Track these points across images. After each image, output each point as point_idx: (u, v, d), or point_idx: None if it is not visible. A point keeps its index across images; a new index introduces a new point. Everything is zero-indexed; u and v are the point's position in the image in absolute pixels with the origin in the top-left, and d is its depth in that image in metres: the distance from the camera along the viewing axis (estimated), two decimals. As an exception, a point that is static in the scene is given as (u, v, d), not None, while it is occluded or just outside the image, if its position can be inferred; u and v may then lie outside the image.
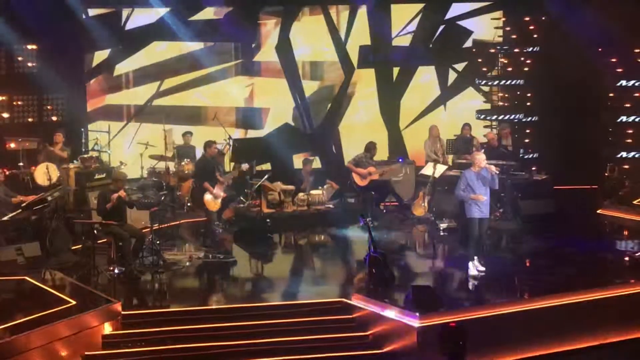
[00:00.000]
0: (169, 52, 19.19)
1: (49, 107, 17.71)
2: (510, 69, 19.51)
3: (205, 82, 19.31)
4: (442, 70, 20.09)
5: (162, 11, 18.64)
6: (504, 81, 19.33)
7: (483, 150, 17.06)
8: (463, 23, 19.99)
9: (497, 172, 12.93)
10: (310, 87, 19.87)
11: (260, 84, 19.65)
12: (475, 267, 12.85)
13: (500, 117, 19.02)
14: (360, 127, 19.86)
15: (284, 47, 19.50)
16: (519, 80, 19.18)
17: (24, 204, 13.93)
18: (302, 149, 19.45)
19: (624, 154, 18.57)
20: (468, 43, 20.02)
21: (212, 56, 19.19)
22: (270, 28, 19.68)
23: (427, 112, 20.04)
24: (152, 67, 19.10)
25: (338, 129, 19.93)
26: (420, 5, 19.77)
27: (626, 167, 18.47)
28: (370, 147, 17.22)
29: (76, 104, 18.10)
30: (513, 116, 18.97)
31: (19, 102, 17.36)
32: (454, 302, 11.93)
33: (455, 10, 19.92)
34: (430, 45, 19.98)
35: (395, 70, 19.95)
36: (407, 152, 19.60)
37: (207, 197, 14.76)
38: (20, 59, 17.35)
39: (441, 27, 19.97)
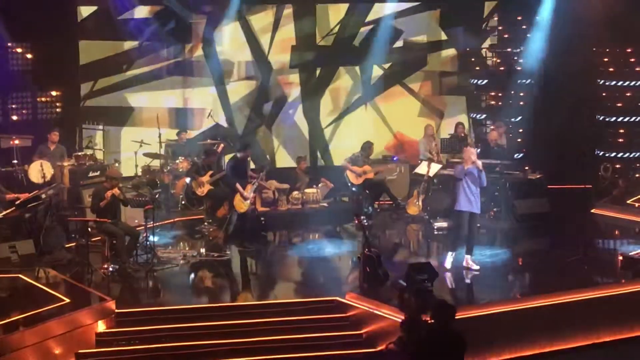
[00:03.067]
0: (103, 51, 18.75)
1: (43, 104, 17.65)
2: (502, 68, 19.58)
3: (139, 82, 19.02)
4: (365, 70, 20.05)
5: (91, 9, 18.47)
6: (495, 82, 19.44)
7: (478, 150, 17.19)
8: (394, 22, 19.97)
9: (482, 170, 12.94)
10: (248, 85, 19.69)
11: (195, 83, 19.44)
12: (450, 261, 12.97)
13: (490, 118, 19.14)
14: (291, 128, 19.80)
15: (208, 47, 19.31)
16: (512, 80, 19.29)
17: (18, 202, 13.92)
18: (232, 150, 19.23)
19: (617, 154, 18.62)
20: (399, 43, 20.02)
21: (146, 56, 18.95)
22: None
23: (349, 111, 20.01)
24: (85, 66, 18.63)
25: (270, 130, 19.73)
26: (346, 6, 19.78)
27: (618, 166, 18.50)
28: (366, 147, 17.26)
29: (70, 101, 18.06)
30: (506, 116, 19.07)
31: (13, 100, 17.31)
32: (447, 301, 11.96)
33: (385, 10, 19.85)
34: (358, 45, 19.90)
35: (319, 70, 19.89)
36: (329, 151, 19.68)
37: (238, 198, 14.44)
38: (14, 55, 17.29)
39: (370, 27, 19.89)
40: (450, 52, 20.27)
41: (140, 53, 18.91)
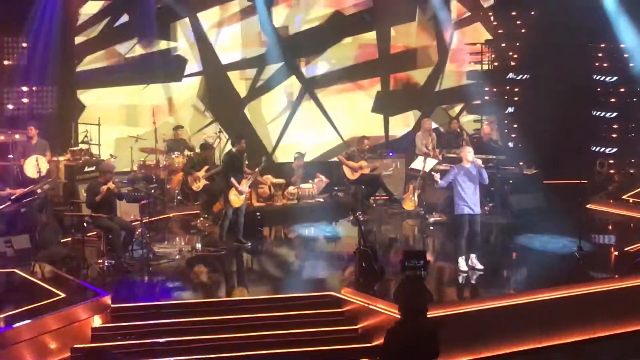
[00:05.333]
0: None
1: (38, 99, 17.60)
2: (496, 64, 19.62)
3: (90, 78, 18.56)
4: (314, 66, 19.99)
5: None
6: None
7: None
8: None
9: (483, 166, 12.88)
10: (200, 82, 19.44)
11: (147, 80, 19.01)
12: (464, 263, 12.84)
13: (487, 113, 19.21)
14: (242, 125, 19.46)
15: (161, 43, 19.12)
16: (506, 75, 19.34)
17: (13, 197, 13.90)
18: None
19: (612, 150, 18.68)
20: (347, 39, 19.97)
21: (97, 51, 18.56)
22: None
23: (298, 108, 19.86)
24: None
25: (222, 127, 19.16)
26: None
27: (611, 161, 18.54)
28: (361, 141, 17.24)
29: (66, 96, 18.01)
30: (502, 110, 19.14)
31: (9, 95, 17.29)
32: (442, 297, 12.00)
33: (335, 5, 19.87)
34: (307, 41, 19.74)
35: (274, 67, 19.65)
36: (277, 148, 19.54)
37: (233, 192, 14.40)
38: (10, 51, 17.27)
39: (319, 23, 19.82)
40: (400, 46, 20.20)
41: (91, 49, 18.55)
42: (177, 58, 19.23)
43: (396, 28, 20.19)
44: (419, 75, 20.43)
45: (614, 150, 18.67)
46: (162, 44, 19.07)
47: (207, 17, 19.35)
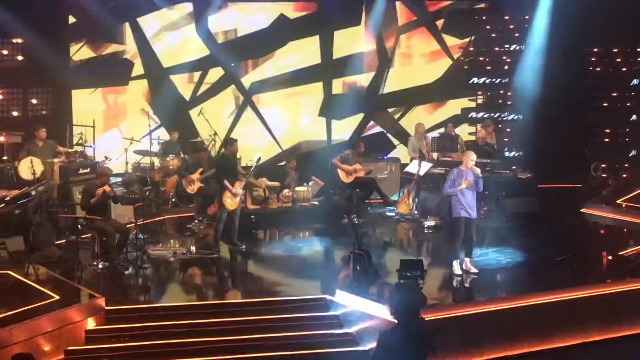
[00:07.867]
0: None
1: (34, 100, 17.59)
2: (489, 67, 19.65)
3: None
4: (261, 70, 20.02)
5: None
6: (485, 79, 19.53)
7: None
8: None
9: (481, 176, 12.89)
10: (146, 86, 19.42)
11: (95, 83, 18.90)
12: (459, 267, 12.86)
13: (483, 115, 19.22)
14: (189, 129, 19.38)
15: (109, 46, 19.10)
16: (501, 79, 19.39)
17: (7, 198, 13.88)
18: None
19: (606, 154, 18.72)
20: (293, 42, 19.93)
21: None
22: None
23: (243, 112, 19.90)
24: None
25: (169, 131, 19.05)
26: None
27: (603, 165, 18.59)
28: (356, 144, 17.24)
29: (61, 97, 18.00)
30: (497, 114, 19.18)
31: (4, 96, 17.27)
32: (437, 300, 12.01)
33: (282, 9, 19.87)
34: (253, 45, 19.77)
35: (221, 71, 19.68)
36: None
37: (227, 195, 14.33)
38: (5, 52, 17.24)
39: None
40: (346, 52, 20.15)
41: None
42: (124, 61, 19.13)
43: (341, 32, 20.04)
44: (366, 79, 20.38)
45: (608, 154, 18.70)
46: (111, 47, 18.97)
47: (150, 21, 19.21)
